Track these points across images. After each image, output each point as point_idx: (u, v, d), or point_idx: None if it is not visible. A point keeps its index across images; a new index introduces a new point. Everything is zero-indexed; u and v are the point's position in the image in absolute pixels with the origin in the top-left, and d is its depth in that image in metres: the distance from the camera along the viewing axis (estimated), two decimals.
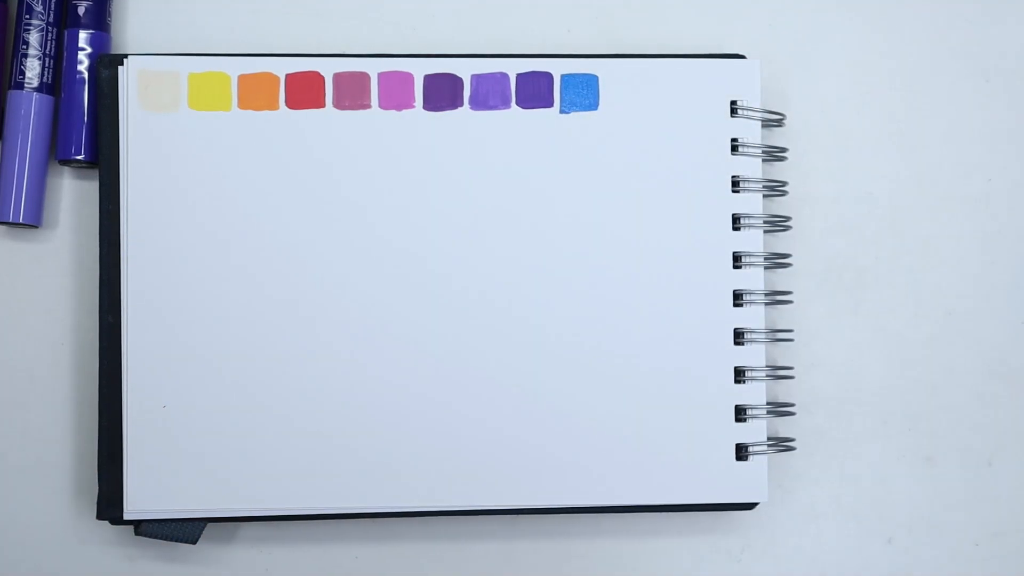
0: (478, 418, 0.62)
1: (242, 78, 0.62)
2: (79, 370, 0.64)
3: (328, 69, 0.63)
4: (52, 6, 0.64)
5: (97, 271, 0.63)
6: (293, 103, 0.62)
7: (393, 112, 0.63)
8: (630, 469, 0.62)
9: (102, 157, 0.62)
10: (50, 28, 0.63)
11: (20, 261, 0.65)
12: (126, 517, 0.61)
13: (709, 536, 0.66)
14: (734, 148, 0.64)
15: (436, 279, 0.62)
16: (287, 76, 0.62)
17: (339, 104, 0.63)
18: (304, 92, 0.62)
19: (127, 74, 0.62)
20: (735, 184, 0.64)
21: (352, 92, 0.63)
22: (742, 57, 0.64)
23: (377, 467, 0.62)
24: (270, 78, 0.62)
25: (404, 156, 0.63)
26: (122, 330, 0.61)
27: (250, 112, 0.62)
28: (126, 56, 0.62)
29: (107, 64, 0.62)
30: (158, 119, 0.62)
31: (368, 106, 0.63)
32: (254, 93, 0.62)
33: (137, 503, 0.61)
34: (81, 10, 0.64)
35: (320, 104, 0.63)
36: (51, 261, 0.65)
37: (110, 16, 0.65)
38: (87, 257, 0.65)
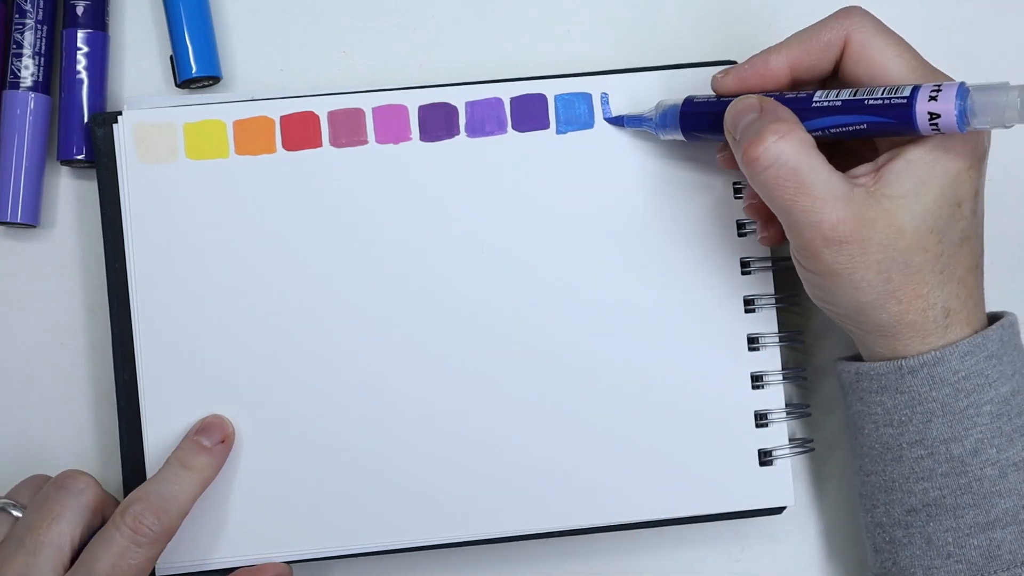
0: (502, 444, 0.62)
1: (237, 124, 0.62)
2: (78, 371, 0.65)
3: (322, 108, 0.62)
4: (41, 5, 0.64)
5: (93, 269, 0.64)
6: (290, 144, 0.62)
7: (391, 146, 0.63)
8: (654, 484, 0.63)
9: (104, 215, 0.62)
10: (39, 26, 0.63)
11: (18, 261, 0.65)
12: (159, 574, 0.61)
13: (708, 537, 0.66)
14: None
15: (449, 308, 0.62)
16: (282, 118, 0.62)
17: (336, 142, 0.62)
18: (300, 133, 0.62)
19: (122, 130, 0.61)
20: (737, 191, 0.64)
21: (348, 129, 0.62)
22: (734, 63, 0.64)
23: (405, 501, 0.62)
24: (265, 121, 0.62)
25: (405, 188, 0.62)
26: (139, 387, 0.61)
27: (248, 157, 0.62)
28: (119, 113, 0.62)
29: (101, 122, 0.62)
30: (157, 171, 0.61)
31: (365, 142, 0.62)
32: (250, 138, 0.62)
33: (164, 559, 0.60)
34: (79, 10, 0.64)
35: (317, 144, 0.62)
36: (50, 260, 0.65)
37: (108, 16, 0.65)
38: (86, 256, 0.65)
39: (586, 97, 0.63)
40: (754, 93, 0.57)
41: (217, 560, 0.61)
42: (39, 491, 0.58)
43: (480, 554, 0.65)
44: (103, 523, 0.57)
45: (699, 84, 0.62)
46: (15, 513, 0.58)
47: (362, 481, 0.62)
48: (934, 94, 0.52)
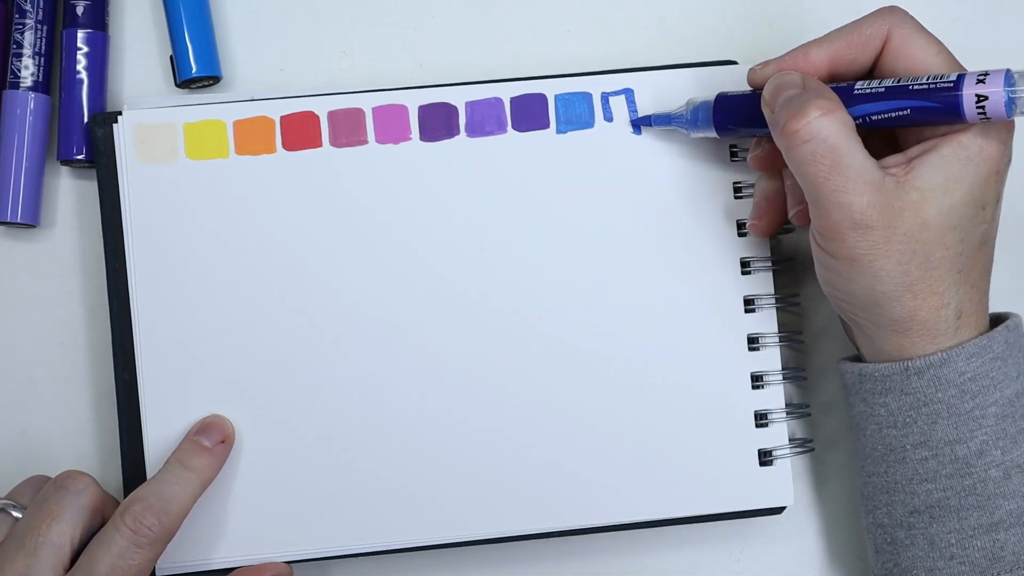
0: (501, 444, 0.62)
1: (237, 124, 0.62)
2: (78, 371, 0.65)
3: (322, 108, 0.62)
4: (41, 4, 0.64)
5: (93, 269, 0.64)
6: (290, 144, 0.62)
7: (391, 145, 0.63)
8: (654, 484, 0.63)
9: (104, 215, 0.62)
10: (40, 26, 0.63)
11: (18, 261, 0.65)
12: (159, 574, 0.61)
13: (708, 537, 0.66)
14: (733, 154, 0.64)
15: (449, 308, 0.62)
16: (282, 118, 0.62)
17: (336, 142, 0.62)
18: (300, 133, 0.62)
19: (122, 130, 0.61)
20: (737, 190, 0.63)
21: (348, 129, 0.62)
22: (734, 63, 0.64)
23: (405, 501, 0.62)
24: (265, 121, 0.62)
25: (405, 188, 0.62)
26: (139, 387, 0.61)
27: (248, 157, 0.62)
28: (119, 113, 0.62)
29: (101, 122, 0.62)
30: (157, 171, 0.61)
31: (365, 141, 0.62)
32: (250, 138, 0.62)
33: (164, 559, 0.60)
34: (80, 10, 0.64)
35: (317, 144, 0.62)
36: (50, 260, 0.65)
37: (108, 16, 0.65)
38: (86, 255, 0.65)
39: (586, 97, 0.63)
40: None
41: (217, 560, 0.61)
42: (39, 491, 0.58)
43: (480, 554, 0.65)
44: (103, 523, 0.57)
45: (699, 84, 0.63)
46: (15, 514, 0.58)
47: (362, 481, 0.62)
48: (981, 78, 0.52)
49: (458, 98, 0.63)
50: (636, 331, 0.63)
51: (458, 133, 0.63)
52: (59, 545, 0.56)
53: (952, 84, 0.53)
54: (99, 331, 0.64)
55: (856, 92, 0.55)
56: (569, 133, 0.63)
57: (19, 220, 0.63)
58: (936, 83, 0.53)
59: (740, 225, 0.63)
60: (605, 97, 0.63)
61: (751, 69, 0.58)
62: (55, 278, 0.65)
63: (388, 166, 0.62)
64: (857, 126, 0.54)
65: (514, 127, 0.63)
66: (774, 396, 0.63)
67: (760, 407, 0.63)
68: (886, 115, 0.54)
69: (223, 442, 0.60)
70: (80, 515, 0.57)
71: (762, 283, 0.64)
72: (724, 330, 0.63)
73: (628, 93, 0.63)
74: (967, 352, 0.55)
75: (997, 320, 0.58)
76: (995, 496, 0.56)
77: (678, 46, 0.67)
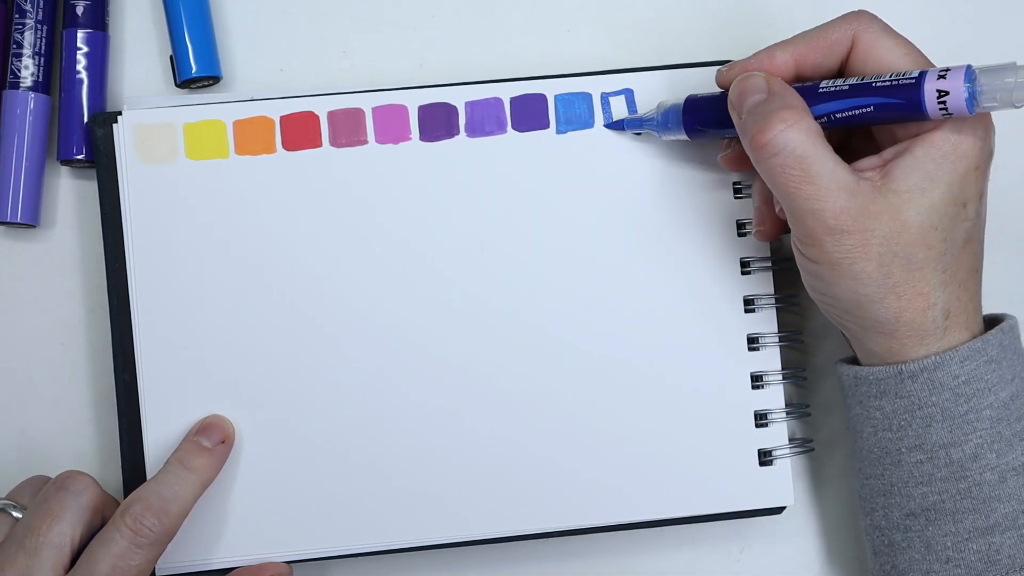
0: (501, 444, 0.62)
1: (237, 124, 0.62)
2: (78, 371, 0.65)
3: (322, 108, 0.62)
4: (41, 4, 0.64)
5: (93, 269, 0.64)
6: (290, 144, 0.62)
7: (391, 146, 0.63)
8: (654, 484, 0.63)
9: (104, 215, 0.62)
10: (39, 26, 0.63)
11: (18, 261, 0.65)
12: (159, 574, 0.61)
13: (708, 537, 0.66)
14: None
15: (449, 308, 0.62)
16: (282, 118, 0.62)
17: (335, 142, 0.62)
18: (300, 133, 0.62)
19: (122, 130, 0.61)
20: (736, 191, 0.64)
21: (348, 129, 0.62)
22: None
23: (405, 501, 0.62)
24: (265, 121, 0.62)
25: (405, 188, 0.62)
26: (139, 387, 0.61)
27: (248, 157, 0.62)
28: (119, 113, 0.62)
29: (101, 122, 0.62)
30: (157, 171, 0.61)
31: (365, 142, 0.62)
32: (250, 138, 0.62)
33: (164, 559, 0.60)
34: (79, 10, 0.64)
35: (317, 144, 0.62)
36: (50, 260, 0.65)
37: (108, 16, 0.65)
38: (86, 255, 0.65)
39: (586, 97, 0.63)
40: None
41: (217, 560, 0.61)
42: (39, 491, 0.58)
43: (480, 554, 0.65)
44: (103, 524, 0.57)
45: (699, 84, 0.62)
46: (15, 514, 0.58)
47: (362, 481, 0.62)
48: (942, 74, 0.52)
49: (458, 98, 0.63)
50: (636, 331, 0.63)
51: (458, 133, 0.63)
52: (59, 545, 0.56)
53: (914, 81, 0.53)
54: (99, 331, 0.64)
55: (821, 90, 0.55)
56: (569, 133, 0.63)
57: (19, 220, 0.63)
58: (898, 80, 0.53)
59: (740, 225, 0.63)
60: (605, 97, 0.63)
61: (718, 71, 0.58)
62: (55, 278, 0.65)
63: (388, 166, 0.62)
64: (822, 124, 0.55)
65: (514, 127, 0.63)
66: (774, 396, 0.63)
67: (760, 407, 0.63)
68: (850, 112, 0.54)
69: (223, 442, 0.60)
70: (80, 515, 0.57)
71: (762, 283, 0.64)
72: (724, 330, 0.63)
73: (628, 93, 0.63)
74: (961, 355, 0.55)
75: (993, 322, 0.58)
76: (990, 499, 0.56)
77: (678, 46, 0.67)
